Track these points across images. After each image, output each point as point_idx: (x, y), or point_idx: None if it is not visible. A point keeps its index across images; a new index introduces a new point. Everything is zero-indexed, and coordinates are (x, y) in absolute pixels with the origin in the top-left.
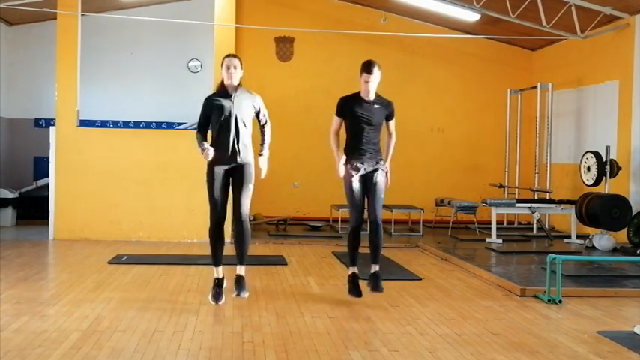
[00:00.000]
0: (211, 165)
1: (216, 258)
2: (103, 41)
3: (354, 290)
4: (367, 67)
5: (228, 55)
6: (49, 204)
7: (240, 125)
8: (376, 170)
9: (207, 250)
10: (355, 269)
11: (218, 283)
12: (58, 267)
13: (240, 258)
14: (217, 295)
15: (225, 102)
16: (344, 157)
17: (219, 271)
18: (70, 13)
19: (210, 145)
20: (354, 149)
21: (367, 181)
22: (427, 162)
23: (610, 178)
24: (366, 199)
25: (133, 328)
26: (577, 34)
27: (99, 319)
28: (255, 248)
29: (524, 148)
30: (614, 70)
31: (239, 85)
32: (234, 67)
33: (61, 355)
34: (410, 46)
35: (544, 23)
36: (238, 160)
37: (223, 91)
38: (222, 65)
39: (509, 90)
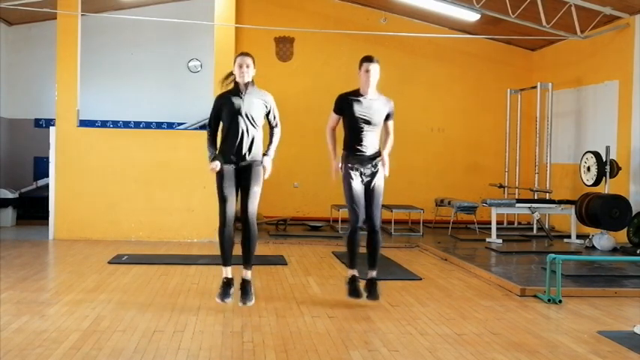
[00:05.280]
0: (221, 163)
1: (225, 258)
2: (103, 41)
3: (354, 292)
4: (367, 57)
5: (242, 54)
6: (49, 204)
7: (250, 124)
8: (375, 173)
9: (207, 250)
10: (355, 272)
11: (227, 283)
12: (58, 267)
13: (247, 261)
14: (224, 294)
15: (235, 100)
16: (338, 163)
17: (227, 271)
18: (70, 13)
19: (221, 142)
20: (353, 150)
21: (366, 184)
22: (427, 162)
23: (610, 178)
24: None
25: (133, 328)
26: (577, 34)
27: (99, 319)
28: None
29: (524, 148)
30: (614, 70)
31: (251, 83)
32: (247, 66)
33: (61, 355)
34: (410, 46)
35: (544, 23)
36: (247, 158)
37: (234, 89)
38: (234, 63)
39: (509, 90)
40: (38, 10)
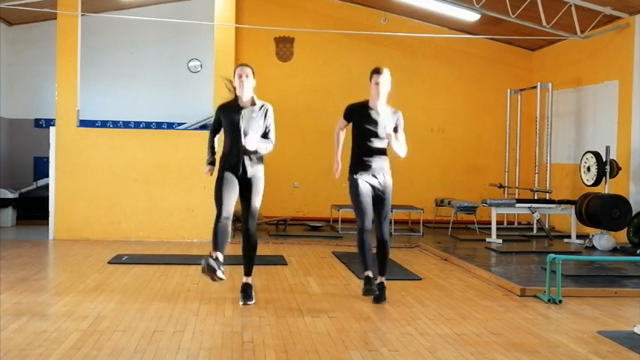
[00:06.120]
0: (222, 169)
1: (217, 243)
2: (103, 41)
3: (370, 291)
4: (377, 69)
5: (241, 64)
6: (49, 204)
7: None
8: (384, 185)
9: (207, 250)
10: (369, 272)
11: (215, 258)
12: (58, 267)
13: (248, 270)
14: (210, 267)
15: (234, 116)
16: (339, 164)
17: (217, 254)
18: (70, 13)
19: (223, 152)
20: (361, 161)
21: (375, 196)
22: (427, 162)
23: (610, 178)
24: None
25: (133, 328)
26: (577, 34)
27: (99, 319)
28: None
29: (524, 148)
30: (614, 70)
31: (252, 97)
32: (246, 76)
33: (61, 355)
34: (410, 46)
35: (544, 23)
36: (247, 175)
37: (235, 103)
38: (234, 74)
39: (509, 90)
40: (38, 10)
